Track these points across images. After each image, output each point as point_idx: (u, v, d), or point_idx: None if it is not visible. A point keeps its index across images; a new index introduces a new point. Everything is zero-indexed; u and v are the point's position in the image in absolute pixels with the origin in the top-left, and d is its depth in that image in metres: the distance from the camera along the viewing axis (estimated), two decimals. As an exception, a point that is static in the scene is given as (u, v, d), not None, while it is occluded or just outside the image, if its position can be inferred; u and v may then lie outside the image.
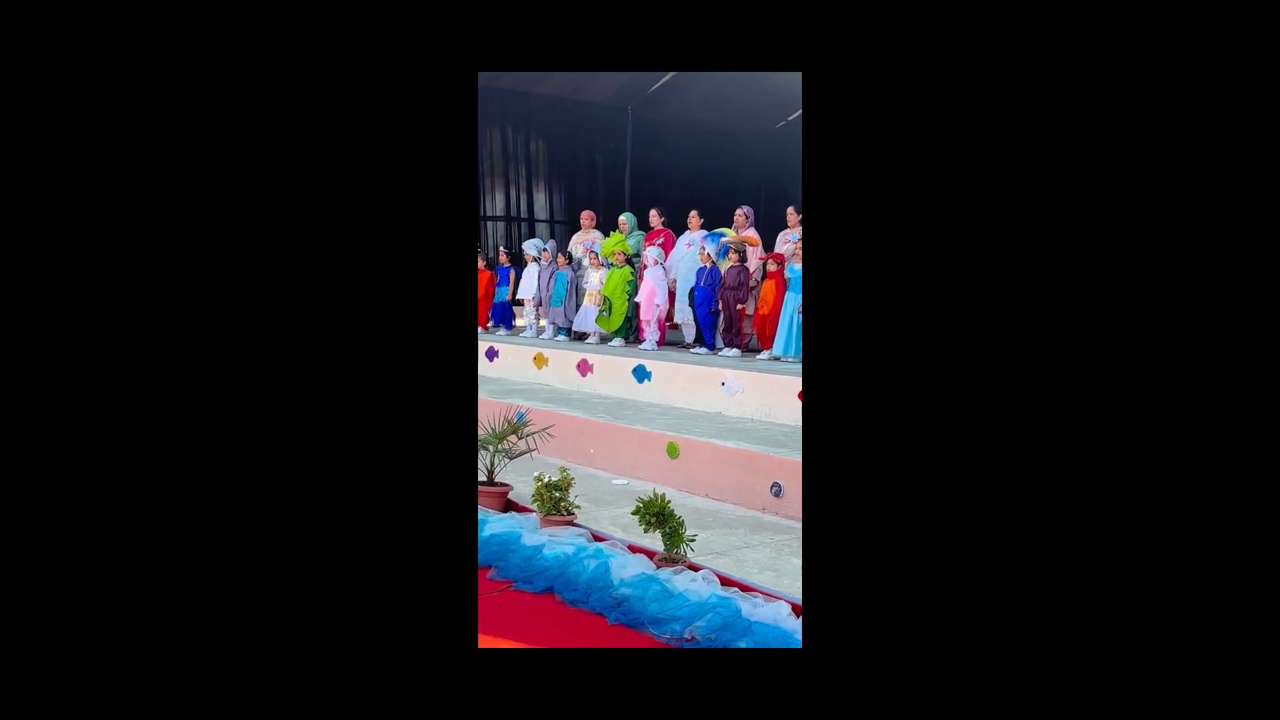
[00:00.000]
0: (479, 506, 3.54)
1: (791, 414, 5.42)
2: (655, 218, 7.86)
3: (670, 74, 10.41)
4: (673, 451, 5.11)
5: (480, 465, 3.86)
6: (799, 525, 4.17)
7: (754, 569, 3.65)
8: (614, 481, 5.21)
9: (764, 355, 6.67)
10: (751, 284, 6.88)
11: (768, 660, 2.23)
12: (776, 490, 4.45)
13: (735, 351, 6.74)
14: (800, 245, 6.54)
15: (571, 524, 3.43)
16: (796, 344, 6.43)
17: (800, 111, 8.97)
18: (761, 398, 5.68)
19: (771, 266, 6.74)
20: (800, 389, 5.35)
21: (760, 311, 6.76)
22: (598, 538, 3.15)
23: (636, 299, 7.41)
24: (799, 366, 6.13)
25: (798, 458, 4.40)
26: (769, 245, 7.22)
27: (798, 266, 6.53)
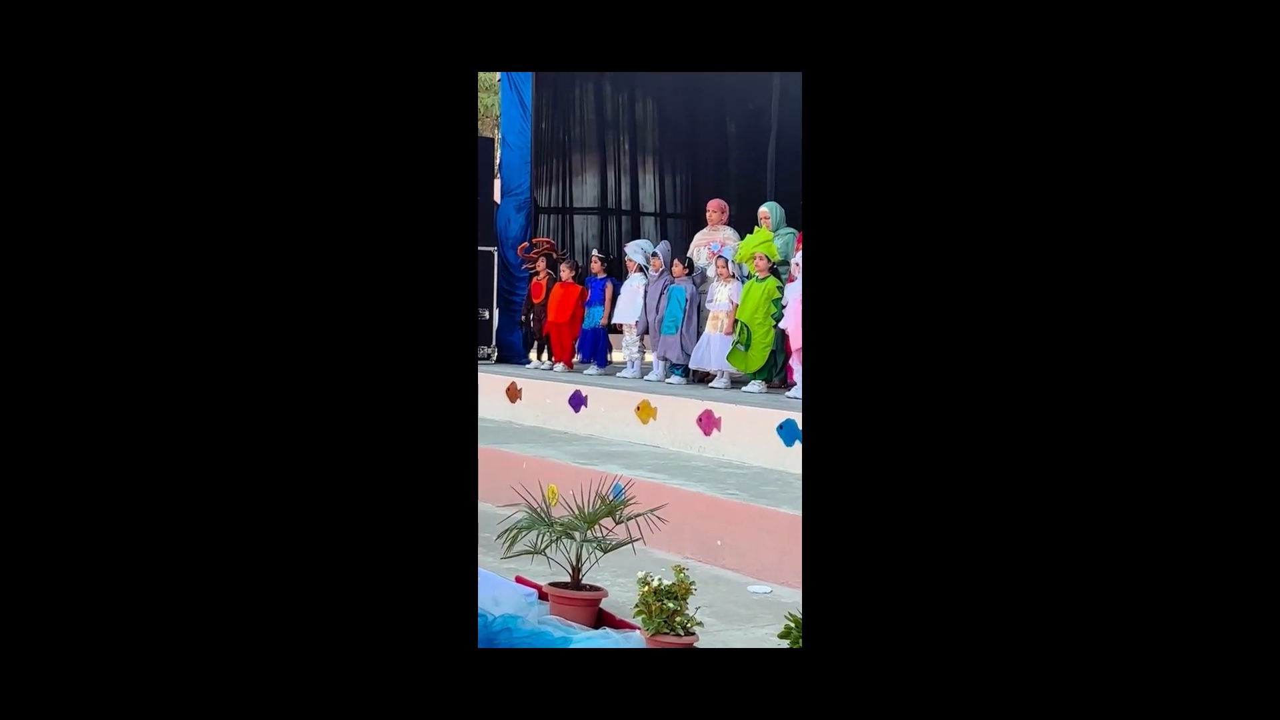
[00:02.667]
0: (564, 620, 3.56)
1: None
2: (811, 209, 7.84)
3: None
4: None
5: (565, 559, 3.89)
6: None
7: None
8: (752, 589, 5.16)
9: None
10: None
11: (768, 660, 2.96)
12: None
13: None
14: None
15: (692, 648, 3.41)
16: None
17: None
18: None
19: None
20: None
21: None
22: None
23: (784, 325, 7.37)
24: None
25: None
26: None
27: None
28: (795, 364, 7.26)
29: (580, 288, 9.27)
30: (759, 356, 7.55)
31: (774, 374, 7.66)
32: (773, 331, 7.51)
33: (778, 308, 7.47)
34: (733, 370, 7.78)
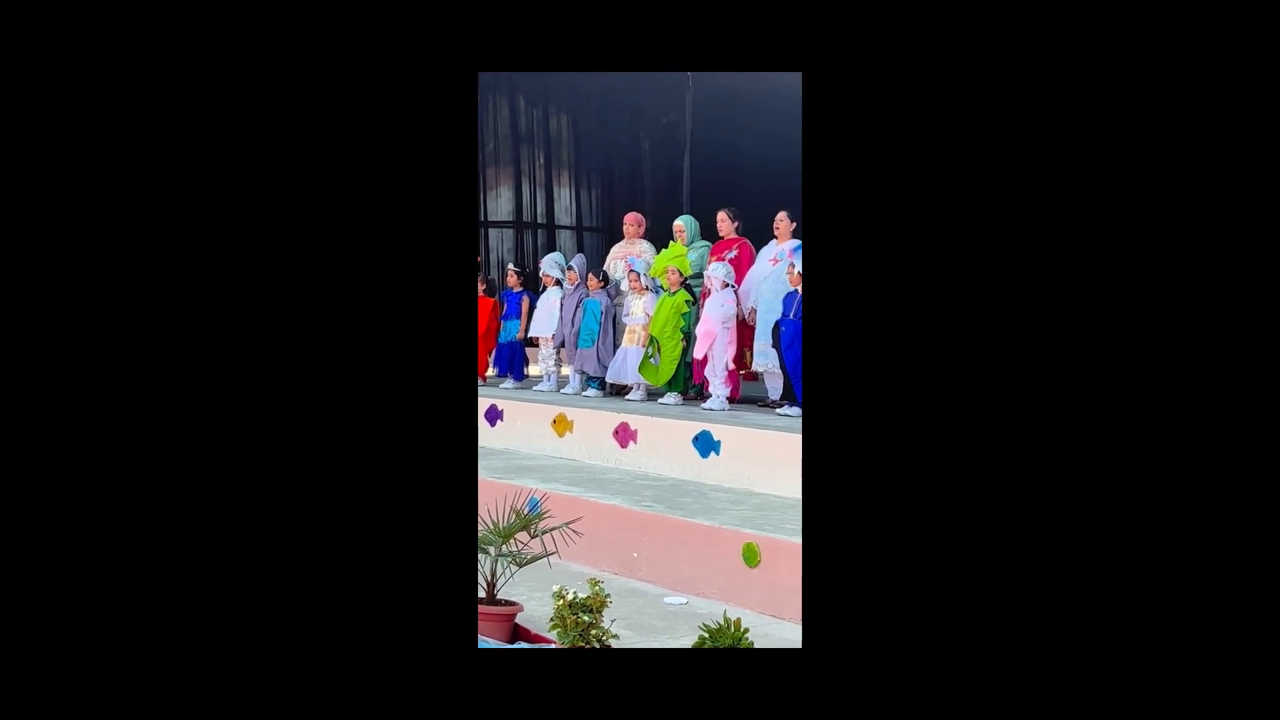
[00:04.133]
0: (480, 636, 3.54)
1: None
2: (725, 223, 7.91)
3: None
4: (751, 557, 5.07)
5: (479, 575, 3.88)
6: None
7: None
8: (668, 600, 5.18)
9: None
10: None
11: (768, 660, 3.02)
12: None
13: (840, 412, 6.70)
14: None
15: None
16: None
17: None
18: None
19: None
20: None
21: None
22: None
23: (699, 333, 7.44)
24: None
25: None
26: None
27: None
28: (709, 375, 7.32)
29: (495, 301, 9.25)
30: (669, 369, 7.60)
31: (689, 387, 7.71)
32: (681, 344, 7.56)
33: (687, 321, 7.53)
34: (648, 383, 7.81)
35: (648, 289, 7.91)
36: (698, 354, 7.31)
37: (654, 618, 4.85)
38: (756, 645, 3.15)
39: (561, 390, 8.40)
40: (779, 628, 4.72)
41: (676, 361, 7.59)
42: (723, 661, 2.98)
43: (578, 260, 8.73)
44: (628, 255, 8.46)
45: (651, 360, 7.65)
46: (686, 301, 7.60)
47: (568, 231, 11.23)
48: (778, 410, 7.06)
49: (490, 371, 9.32)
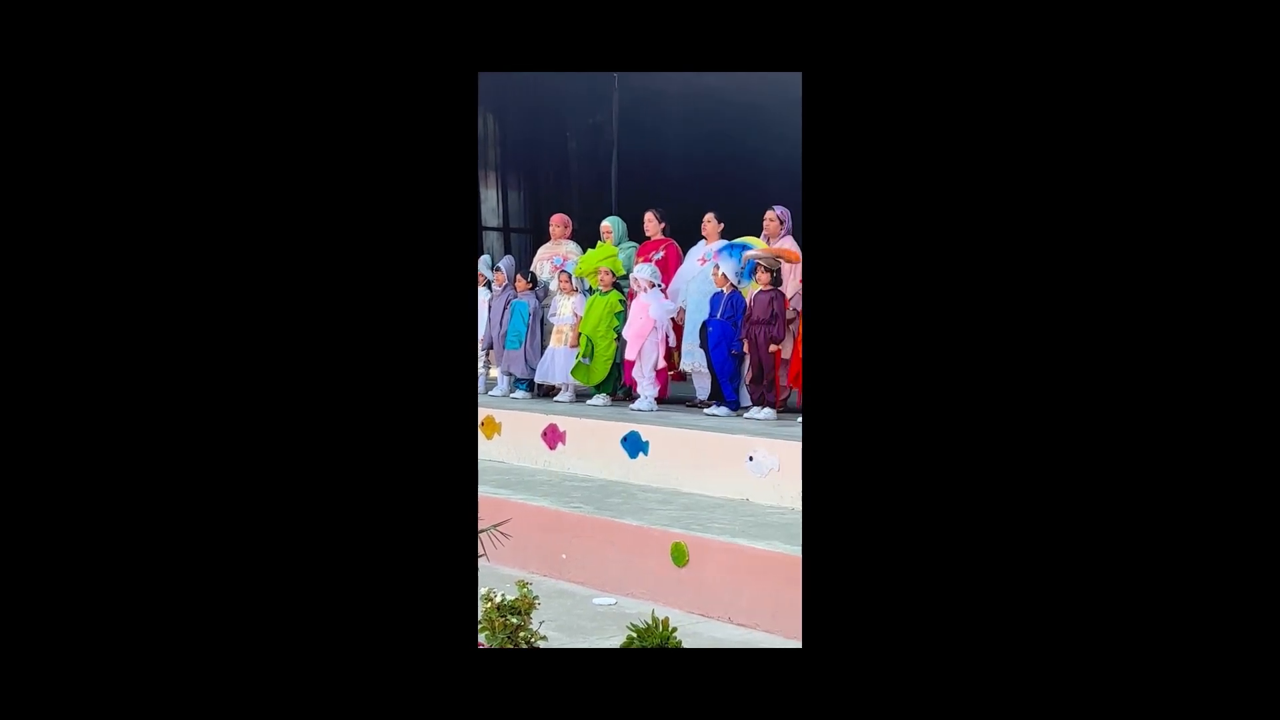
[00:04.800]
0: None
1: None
2: (653, 223, 7.92)
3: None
4: (679, 557, 5.08)
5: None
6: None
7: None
8: (596, 601, 5.17)
9: (809, 417, 6.67)
10: (789, 316, 6.91)
11: (768, 660, 3.07)
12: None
13: (768, 412, 6.74)
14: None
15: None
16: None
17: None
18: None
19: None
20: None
21: (802, 355, 6.77)
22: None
23: (626, 336, 7.44)
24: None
25: (858, 564, 4.41)
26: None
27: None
28: (637, 376, 7.32)
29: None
30: (602, 370, 7.60)
31: (618, 388, 7.70)
32: (614, 345, 7.55)
33: (620, 321, 7.52)
34: (577, 384, 7.80)
35: (576, 289, 7.89)
36: (630, 355, 7.31)
37: (583, 619, 4.84)
38: (685, 644, 3.15)
39: (489, 392, 8.35)
40: (708, 626, 4.74)
41: (611, 362, 7.59)
42: (723, 661, 3.01)
43: (505, 261, 8.69)
44: (554, 256, 8.44)
45: (583, 361, 7.63)
46: (619, 301, 7.60)
47: (495, 233, 11.17)
48: (706, 410, 7.08)
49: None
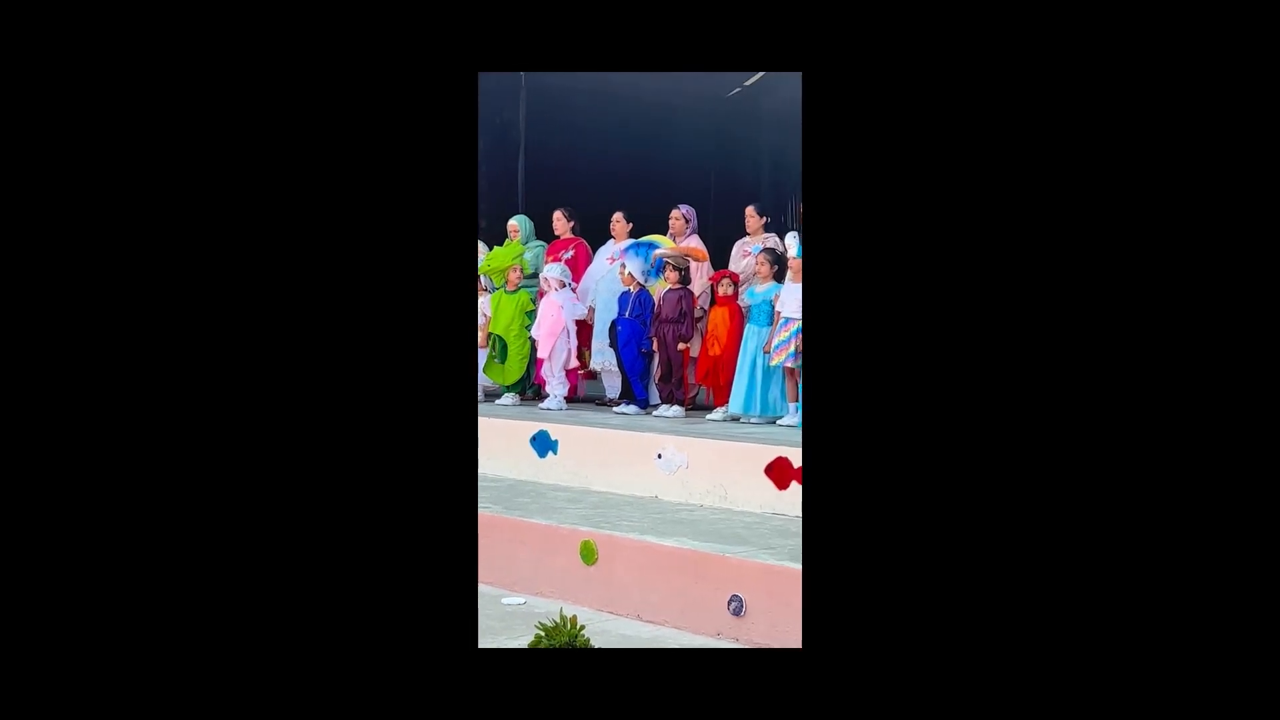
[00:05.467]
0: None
1: (757, 497, 5.44)
2: (561, 222, 7.90)
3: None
4: (589, 555, 5.07)
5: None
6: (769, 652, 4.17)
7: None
8: (504, 600, 5.14)
9: (717, 414, 6.71)
10: (697, 314, 6.95)
11: (768, 660, 3.14)
12: (736, 607, 4.45)
13: (677, 410, 6.77)
14: (764, 260, 6.63)
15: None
16: (763, 397, 6.48)
17: (761, 75, 9.17)
18: (714, 475, 5.69)
19: (724, 289, 6.82)
20: (769, 463, 5.38)
21: (710, 353, 6.81)
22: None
23: (534, 334, 7.41)
24: (766, 430, 6.18)
25: (765, 558, 4.41)
26: (720, 261, 7.31)
27: (761, 289, 6.61)
28: (546, 375, 7.29)
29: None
30: (516, 369, 7.56)
31: (527, 387, 7.67)
32: (529, 344, 7.52)
33: (530, 320, 7.49)
34: (488, 383, 7.74)
35: (485, 289, 7.84)
36: (541, 353, 7.28)
37: (492, 618, 4.80)
38: (594, 642, 3.15)
39: (397, 392, 8.25)
40: (616, 624, 4.74)
41: (525, 360, 7.55)
42: (723, 661, 3.05)
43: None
44: (463, 255, 8.37)
45: (495, 360, 7.59)
46: (530, 300, 7.57)
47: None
48: (615, 408, 7.08)
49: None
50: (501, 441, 6.81)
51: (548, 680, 2.76)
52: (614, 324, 7.14)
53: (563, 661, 3.06)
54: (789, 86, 8.10)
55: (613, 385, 7.41)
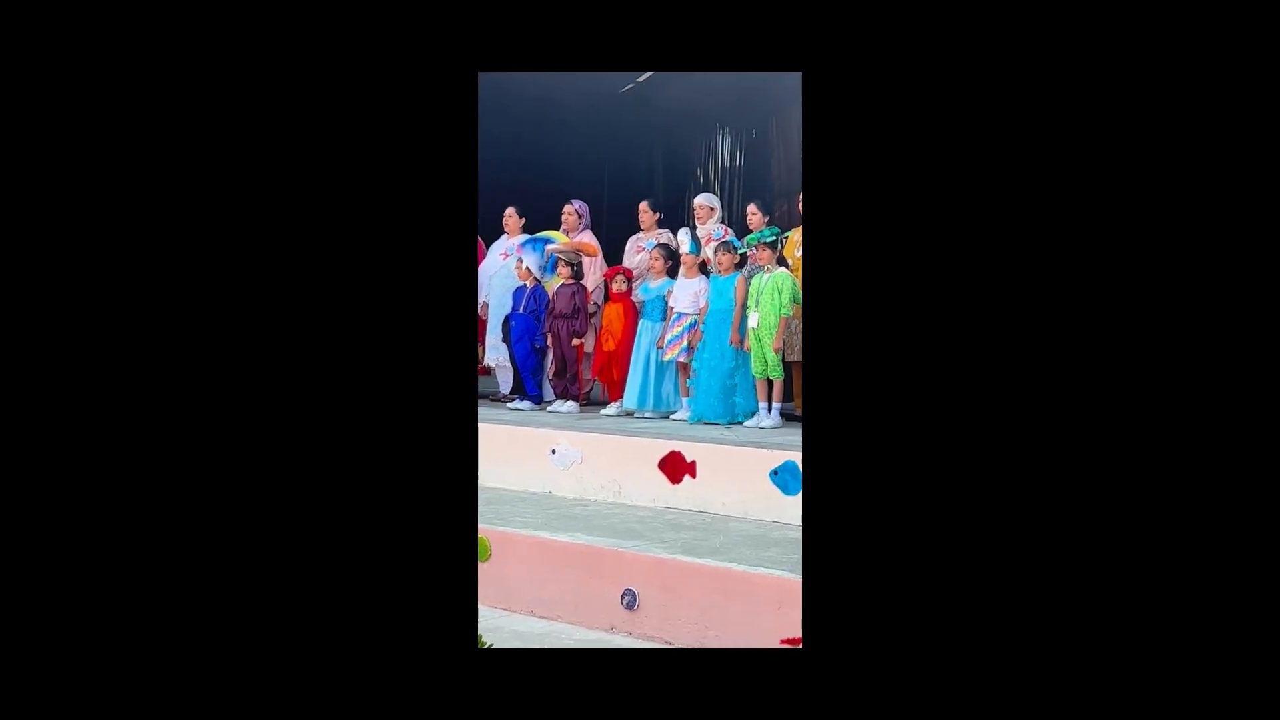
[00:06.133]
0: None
1: (650, 492, 5.47)
2: (454, 217, 7.83)
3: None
4: (482, 551, 5.05)
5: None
6: (661, 647, 4.20)
7: None
8: (398, 598, 5.09)
9: (611, 409, 6.73)
10: (591, 310, 6.96)
11: (768, 660, 3.11)
12: (630, 601, 4.47)
13: (571, 405, 6.77)
14: (658, 256, 6.66)
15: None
16: (656, 392, 6.51)
17: (650, 74, 9.19)
18: (608, 470, 5.71)
19: (618, 285, 6.83)
20: (662, 457, 5.41)
21: (605, 348, 6.82)
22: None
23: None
24: (660, 425, 6.21)
25: (659, 553, 4.44)
26: (613, 256, 7.32)
27: (655, 284, 6.64)
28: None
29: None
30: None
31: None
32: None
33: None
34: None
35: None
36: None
37: (385, 617, 4.75)
38: (487, 639, 3.14)
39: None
40: (510, 620, 4.72)
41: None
42: (723, 661, 3.03)
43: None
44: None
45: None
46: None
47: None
48: (509, 404, 7.05)
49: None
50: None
51: (547, 680, 2.77)
52: (507, 319, 7.11)
53: (560, 661, 3.10)
54: (680, 84, 8.16)
55: (505, 381, 7.38)
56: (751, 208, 6.72)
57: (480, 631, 3.13)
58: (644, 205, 7.24)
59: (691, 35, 2.74)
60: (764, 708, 2.64)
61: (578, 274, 6.88)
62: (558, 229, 7.38)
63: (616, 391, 6.76)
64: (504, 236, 7.56)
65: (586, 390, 7.07)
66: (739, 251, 6.35)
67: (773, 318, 5.93)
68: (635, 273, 6.94)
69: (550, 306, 6.86)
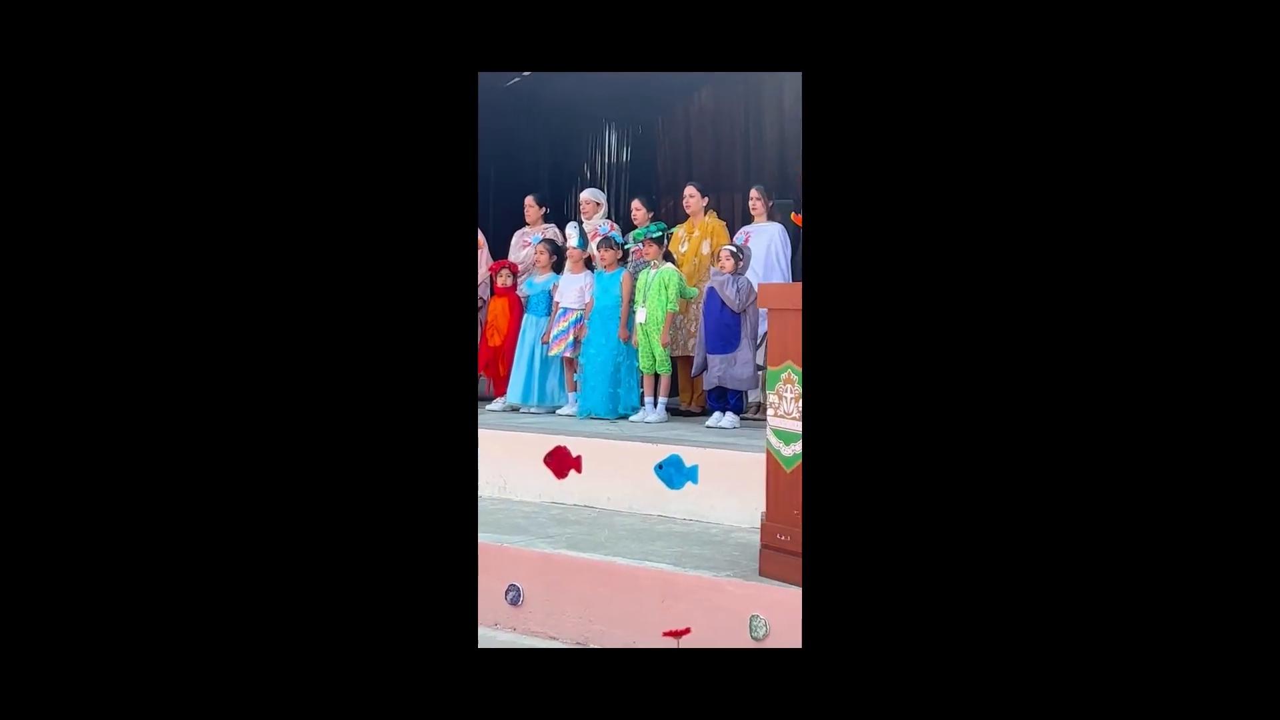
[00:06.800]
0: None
1: (535, 487, 5.46)
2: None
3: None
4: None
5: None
6: (546, 644, 4.19)
7: None
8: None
9: (496, 404, 6.69)
10: (478, 304, 6.90)
11: (768, 660, 3.09)
12: (514, 596, 4.45)
13: (456, 400, 6.71)
14: (544, 251, 6.64)
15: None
16: (540, 387, 6.50)
17: (528, 73, 9.15)
18: (493, 465, 5.67)
19: (503, 280, 6.80)
20: (548, 452, 5.40)
21: (490, 343, 6.78)
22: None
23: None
24: (545, 420, 6.19)
25: (542, 547, 4.44)
26: (499, 251, 7.28)
27: (540, 279, 6.62)
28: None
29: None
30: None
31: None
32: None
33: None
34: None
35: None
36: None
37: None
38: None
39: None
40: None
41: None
42: (723, 661, 3.00)
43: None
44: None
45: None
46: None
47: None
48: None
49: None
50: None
51: (547, 680, 2.76)
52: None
53: (560, 661, 3.08)
54: (566, 80, 8.14)
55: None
56: (636, 203, 6.70)
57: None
58: (530, 200, 7.21)
59: (691, 35, 2.74)
60: (764, 708, 2.66)
61: (463, 268, 6.83)
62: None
63: (502, 387, 6.72)
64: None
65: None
66: (622, 247, 6.37)
67: (660, 313, 5.97)
68: (520, 268, 6.92)
69: (435, 301, 6.80)
